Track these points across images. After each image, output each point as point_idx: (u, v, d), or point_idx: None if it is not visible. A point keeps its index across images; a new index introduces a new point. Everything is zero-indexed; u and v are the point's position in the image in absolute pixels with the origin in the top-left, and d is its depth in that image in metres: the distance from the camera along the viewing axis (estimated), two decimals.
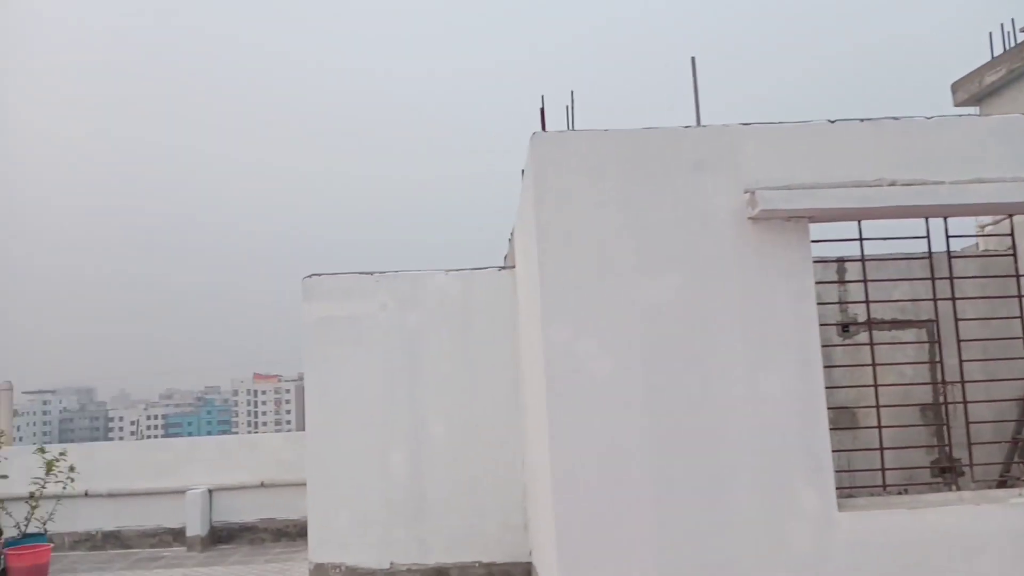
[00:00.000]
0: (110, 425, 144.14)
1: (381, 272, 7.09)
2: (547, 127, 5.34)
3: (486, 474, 6.78)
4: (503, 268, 7.21)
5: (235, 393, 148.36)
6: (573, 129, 5.00)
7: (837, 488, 4.37)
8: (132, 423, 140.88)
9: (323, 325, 6.98)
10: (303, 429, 7.35)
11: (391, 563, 6.70)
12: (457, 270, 7.09)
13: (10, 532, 7.94)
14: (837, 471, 4.43)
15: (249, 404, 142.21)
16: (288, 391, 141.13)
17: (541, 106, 5.41)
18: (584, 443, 4.30)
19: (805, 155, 4.53)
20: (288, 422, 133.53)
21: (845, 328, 6.83)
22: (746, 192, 4.42)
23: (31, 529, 8.04)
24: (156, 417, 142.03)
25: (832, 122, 4.61)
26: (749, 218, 4.41)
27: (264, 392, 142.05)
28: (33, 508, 8.06)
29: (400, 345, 6.95)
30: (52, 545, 8.03)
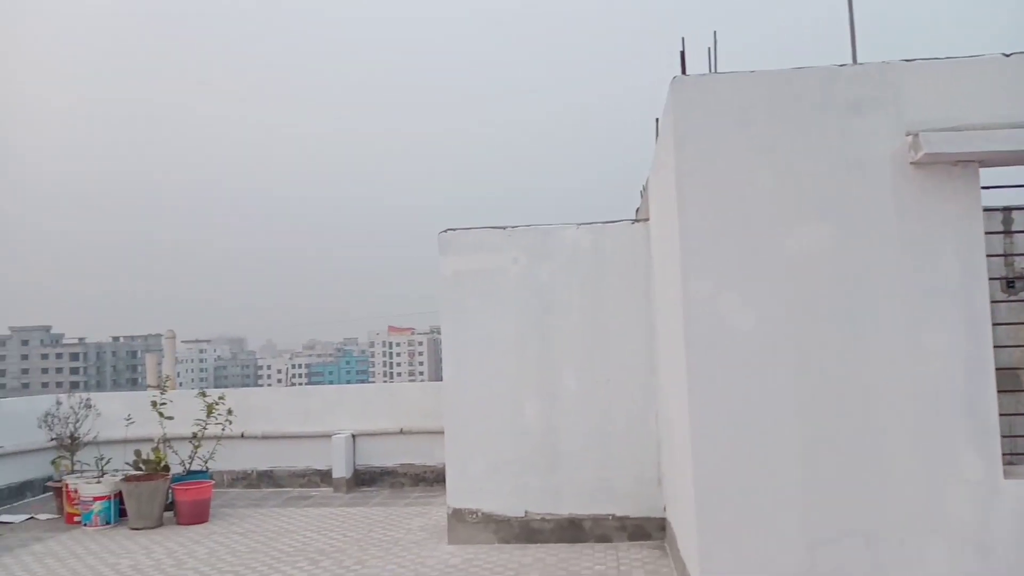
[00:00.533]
0: (259, 372, 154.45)
1: (513, 226, 7.10)
2: (687, 71, 5.11)
3: (619, 427, 6.75)
4: (636, 221, 7.05)
5: (371, 344, 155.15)
6: (716, 72, 4.75)
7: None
8: (279, 371, 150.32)
9: (458, 279, 7.09)
10: (436, 379, 7.54)
11: (525, 511, 6.82)
12: (588, 223, 7.01)
13: (176, 469, 8.62)
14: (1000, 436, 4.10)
15: (384, 355, 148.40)
16: (421, 343, 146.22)
17: (682, 49, 5.17)
18: (725, 400, 4.17)
19: (975, 93, 4.12)
20: (421, 373, 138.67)
21: (1011, 283, 6.28)
22: (908, 135, 4.08)
23: (194, 467, 8.70)
24: (300, 366, 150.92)
25: (1007, 55, 4.15)
26: (911, 163, 4.08)
27: (398, 344, 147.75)
28: (196, 447, 8.72)
29: (532, 298, 6.98)
30: (213, 482, 8.67)
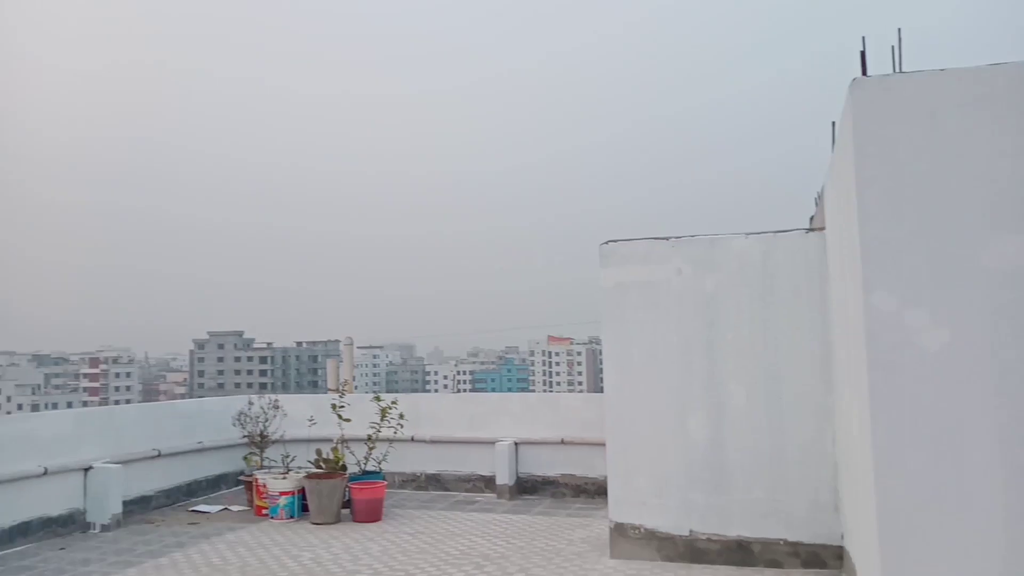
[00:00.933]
0: (427, 378, 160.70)
1: (676, 237, 6.97)
2: (867, 71, 4.81)
3: (792, 447, 6.44)
4: (810, 230, 6.71)
5: (531, 354, 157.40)
6: (900, 72, 4.44)
7: None
8: (445, 377, 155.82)
9: (619, 290, 7.05)
10: (594, 390, 7.54)
11: (690, 530, 6.65)
12: (758, 233, 6.75)
13: (352, 469, 9.13)
14: None
15: (544, 364, 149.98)
16: (579, 353, 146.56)
17: (862, 48, 4.88)
18: (913, 423, 3.86)
19: None
20: (580, 383, 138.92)
21: None
22: None
23: (369, 467, 9.18)
24: (464, 372, 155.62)
25: None
26: None
27: (558, 354, 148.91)
28: (370, 449, 9.19)
29: (696, 310, 6.81)
30: (386, 482, 9.10)
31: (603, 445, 7.14)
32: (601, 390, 7.19)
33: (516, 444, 10.00)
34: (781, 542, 6.43)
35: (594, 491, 9.58)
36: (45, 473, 8.08)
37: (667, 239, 6.98)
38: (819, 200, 7.20)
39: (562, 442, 9.83)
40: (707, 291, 6.78)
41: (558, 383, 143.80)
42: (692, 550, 6.63)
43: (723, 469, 6.60)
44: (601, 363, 7.43)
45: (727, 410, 6.63)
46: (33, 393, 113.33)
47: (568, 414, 9.99)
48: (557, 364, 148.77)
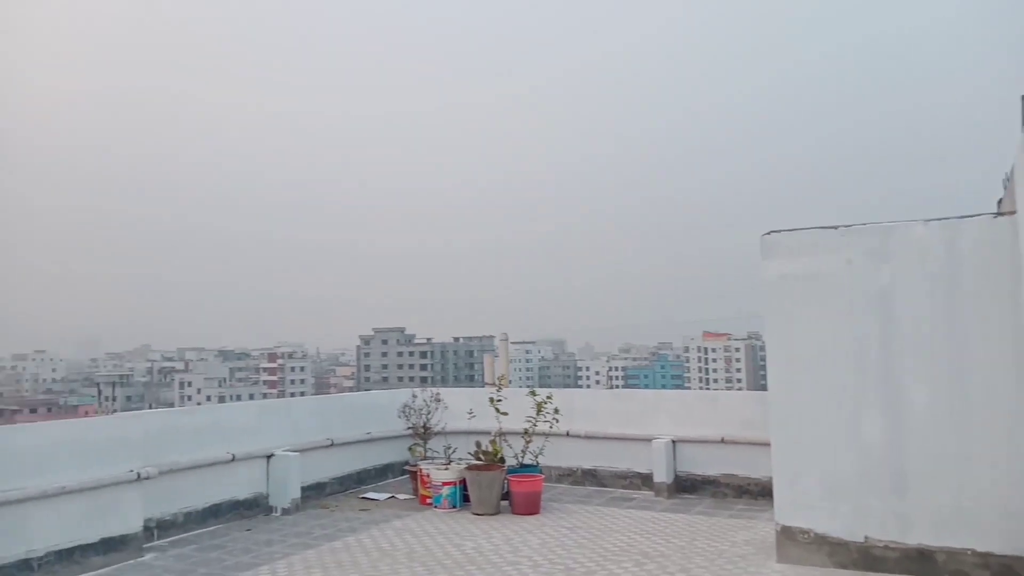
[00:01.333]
0: (578, 374, 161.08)
1: (846, 225, 6.59)
2: None
3: (980, 450, 5.92)
4: (999, 215, 6.14)
5: (686, 350, 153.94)
6: None
7: None
8: (596, 373, 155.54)
9: (783, 283, 6.75)
10: (754, 388, 7.27)
11: (865, 537, 6.26)
12: (939, 219, 6.25)
13: (510, 461, 9.29)
14: None
15: (700, 361, 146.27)
16: (738, 350, 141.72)
17: None
18: None
19: None
20: (739, 380, 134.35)
21: None
22: None
23: (526, 460, 9.32)
24: (616, 369, 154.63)
25: None
26: None
27: (714, 350, 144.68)
28: (527, 442, 9.32)
29: (869, 303, 6.41)
30: (543, 476, 9.21)
31: (766, 445, 6.87)
32: (762, 388, 6.93)
33: (674, 442, 9.81)
34: (969, 552, 5.92)
35: (757, 492, 9.23)
36: (233, 459, 8.79)
37: (835, 228, 6.62)
38: (1008, 182, 6.57)
39: (722, 441, 9.54)
40: (882, 283, 6.36)
41: (715, 380, 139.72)
42: (867, 558, 6.25)
43: (902, 472, 6.17)
44: (762, 360, 7.20)
45: (906, 410, 6.19)
46: (219, 385, 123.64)
47: (728, 412, 9.68)
48: (714, 361, 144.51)
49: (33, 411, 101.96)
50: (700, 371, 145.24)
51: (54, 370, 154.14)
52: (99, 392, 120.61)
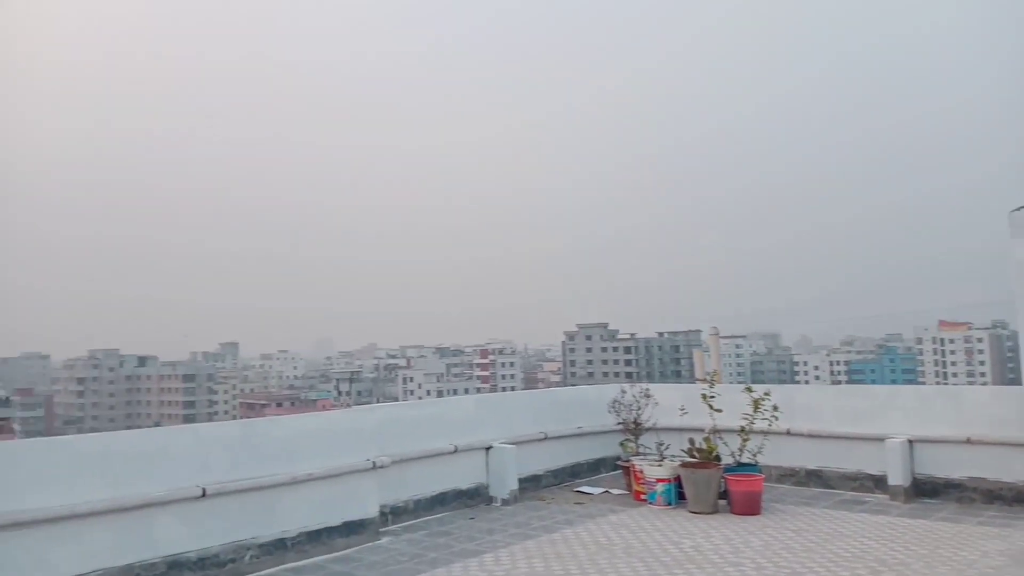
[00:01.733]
0: (795, 369, 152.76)
1: None
2: None
3: None
4: None
5: (919, 342, 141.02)
6: None
7: None
8: (816, 367, 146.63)
9: None
10: (1000, 382, 6.50)
11: None
12: None
13: (726, 460, 9.00)
14: None
15: (935, 353, 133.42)
16: (980, 340, 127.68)
17: None
18: None
19: None
20: (982, 374, 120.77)
21: None
22: None
23: (743, 459, 8.98)
24: (838, 363, 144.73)
25: None
26: None
27: (952, 341, 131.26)
28: (744, 440, 8.98)
29: None
30: (763, 475, 8.83)
31: (1021, 446, 6.13)
32: (1011, 382, 6.21)
33: (910, 442, 9.02)
34: None
35: (1012, 498, 8.27)
36: (455, 451, 9.27)
37: None
38: None
39: (968, 441, 8.63)
40: None
41: (954, 374, 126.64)
42: None
43: None
44: (1010, 351, 6.44)
45: None
46: (437, 380, 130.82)
47: (974, 409, 8.75)
48: (952, 353, 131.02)
49: (279, 405, 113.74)
50: (936, 364, 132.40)
51: (295, 368, 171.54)
52: (336, 387, 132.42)
